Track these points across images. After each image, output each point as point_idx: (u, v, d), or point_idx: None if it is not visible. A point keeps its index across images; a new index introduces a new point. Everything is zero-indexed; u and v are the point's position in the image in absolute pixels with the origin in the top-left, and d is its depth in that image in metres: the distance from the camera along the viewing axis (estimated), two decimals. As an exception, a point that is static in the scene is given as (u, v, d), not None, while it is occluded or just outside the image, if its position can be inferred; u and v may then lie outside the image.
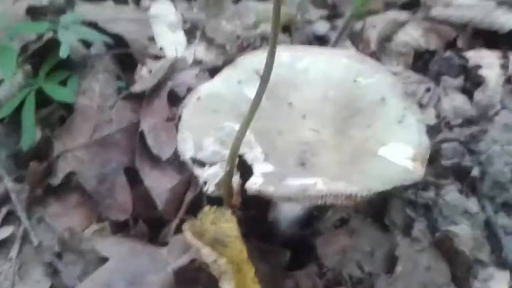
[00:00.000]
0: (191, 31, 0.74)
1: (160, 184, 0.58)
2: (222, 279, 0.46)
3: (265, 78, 0.42)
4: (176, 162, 0.58)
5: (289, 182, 0.45)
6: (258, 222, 0.59)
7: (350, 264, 0.53)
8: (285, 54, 0.57)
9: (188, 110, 0.53)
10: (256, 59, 0.57)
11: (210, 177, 0.50)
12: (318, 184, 0.43)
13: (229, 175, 0.48)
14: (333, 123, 0.55)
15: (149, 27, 0.76)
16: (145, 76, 0.66)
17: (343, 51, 0.60)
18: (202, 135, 0.51)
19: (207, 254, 0.46)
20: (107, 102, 0.63)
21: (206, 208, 0.50)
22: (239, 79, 0.56)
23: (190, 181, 0.59)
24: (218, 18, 0.70)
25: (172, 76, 0.63)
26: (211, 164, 0.50)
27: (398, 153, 0.48)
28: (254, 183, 0.45)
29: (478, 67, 0.85)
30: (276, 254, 0.56)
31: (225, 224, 0.50)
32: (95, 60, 0.66)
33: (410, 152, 0.48)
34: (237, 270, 0.47)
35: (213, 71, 0.59)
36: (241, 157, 0.49)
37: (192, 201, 0.59)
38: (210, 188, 0.49)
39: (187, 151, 0.50)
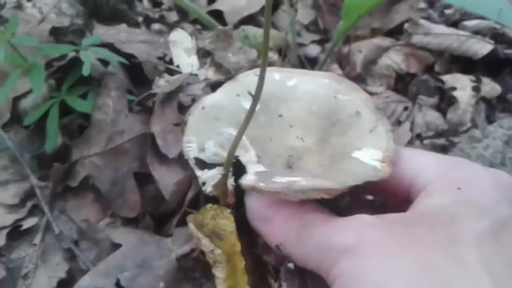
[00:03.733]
0: (203, 57, 0.82)
1: (167, 178, 0.64)
2: (216, 267, 0.53)
3: (256, 97, 0.49)
4: (181, 161, 0.64)
5: (278, 179, 0.50)
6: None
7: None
8: (277, 74, 0.64)
9: (193, 117, 0.59)
10: (250, 77, 0.64)
11: (208, 179, 0.56)
12: (301, 181, 0.49)
13: (224, 178, 0.54)
14: (316, 132, 0.61)
15: (158, 48, 0.84)
16: (163, 84, 0.74)
17: (325, 73, 0.66)
18: (204, 138, 0.57)
19: (205, 244, 0.53)
20: (119, 116, 0.69)
21: (208, 205, 0.56)
22: (237, 92, 0.62)
23: (191, 182, 0.66)
24: (226, 50, 0.79)
25: (183, 87, 0.70)
26: (210, 168, 0.56)
27: (369, 156, 0.54)
28: (248, 180, 0.51)
29: (453, 89, 0.94)
30: (262, 249, 0.62)
31: (222, 220, 0.56)
32: (108, 78, 0.73)
33: (379, 155, 0.54)
34: (228, 261, 0.53)
35: (216, 86, 0.65)
36: (236, 158, 0.55)
37: (192, 199, 0.65)
38: (208, 189, 0.56)
39: (192, 152, 0.57)
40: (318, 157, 0.59)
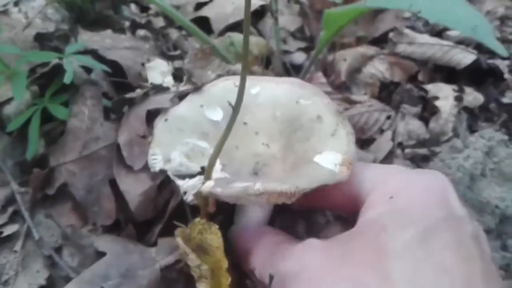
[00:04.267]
0: (180, 78, 0.83)
1: (133, 189, 0.65)
2: (200, 282, 0.54)
3: (236, 107, 0.51)
4: (148, 171, 0.63)
5: (235, 184, 0.52)
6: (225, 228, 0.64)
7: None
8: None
9: (157, 130, 0.61)
10: (216, 87, 0.66)
11: (189, 188, 0.57)
12: (256, 185, 0.50)
13: (205, 187, 0.55)
14: (280, 138, 0.63)
15: (143, 54, 0.85)
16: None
17: (289, 78, 0.68)
18: (169, 150, 0.59)
19: (193, 259, 0.53)
20: (95, 123, 0.70)
21: (196, 219, 0.57)
22: (201, 103, 0.64)
23: (160, 191, 0.67)
24: (205, 69, 0.79)
25: (150, 99, 0.70)
26: (191, 177, 0.57)
27: (329, 159, 0.55)
28: (206, 186, 0.53)
29: (435, 98, 0.95)
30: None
31: (210, 235, 0.57)
32: (85, 87, 0.73)
33: (338, 158, 0.55)
34: (212, 276, 0.54)
35: (183, 97, 0.67)
36: (203, 168, 0.57)
37: (175, 208, 0.66)
38: (189, 198, 0.57)
39: (157, 164, 0.58)
40: (282, 163, 0.60)
